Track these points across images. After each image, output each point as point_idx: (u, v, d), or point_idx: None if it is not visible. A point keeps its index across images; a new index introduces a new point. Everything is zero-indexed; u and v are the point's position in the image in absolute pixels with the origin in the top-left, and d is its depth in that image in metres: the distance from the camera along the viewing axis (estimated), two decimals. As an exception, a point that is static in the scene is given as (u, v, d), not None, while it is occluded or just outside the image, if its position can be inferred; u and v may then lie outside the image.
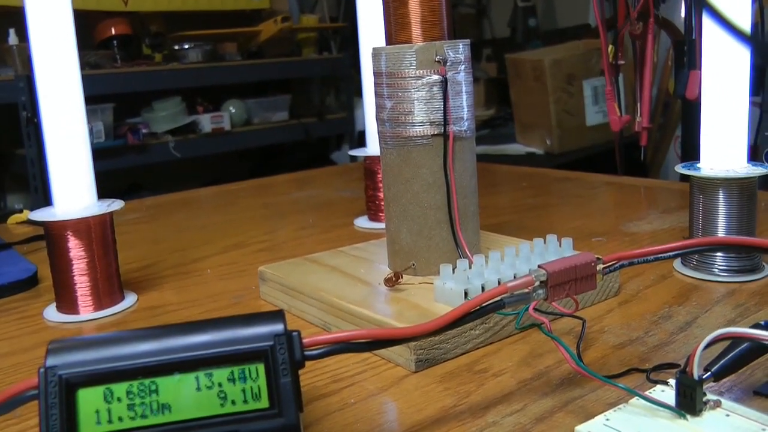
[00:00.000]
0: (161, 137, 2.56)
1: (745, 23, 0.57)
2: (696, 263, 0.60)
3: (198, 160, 2.82)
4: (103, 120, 2.35)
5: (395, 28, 0.54)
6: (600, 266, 0.39)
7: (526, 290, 0.37)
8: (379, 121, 0.55)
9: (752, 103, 1.05)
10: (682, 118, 1.38)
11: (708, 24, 0.59)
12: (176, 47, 2.67)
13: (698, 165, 0.61)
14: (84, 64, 2.32)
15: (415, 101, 0.52)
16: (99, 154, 2.30)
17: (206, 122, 2.66)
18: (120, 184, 2.74)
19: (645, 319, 0.52)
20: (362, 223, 0.85)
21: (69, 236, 0.59)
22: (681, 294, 0.56)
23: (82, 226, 0.59)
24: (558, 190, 1.02)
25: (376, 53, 0.54)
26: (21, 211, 1.04)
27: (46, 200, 2.22)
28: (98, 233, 0.60)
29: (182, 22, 2.74)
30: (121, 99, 2.45)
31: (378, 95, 0.55)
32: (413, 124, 0.53)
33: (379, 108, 0.55)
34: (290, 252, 0.76)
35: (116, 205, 0.61)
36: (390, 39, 0.54)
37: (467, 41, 0.54)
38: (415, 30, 0.53)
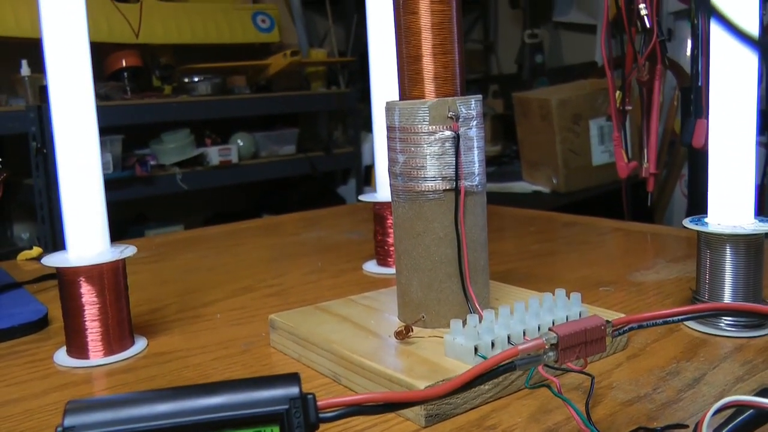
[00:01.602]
0: (169, 169, 2.57)
1: (753, 28, 0.58)
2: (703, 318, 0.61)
3: (205, 192, 2.84)
4: (112, 151, 2.37)
5: (409, 83, 0.55)
6: (609, 329, 0.39)
7: (537, 353, 0.38)
8: (392, 174, 0.56)
9: (759, 143, 1.06)
10: (689, 165, 1.39)
11: (715, 73, 0.60)
12: (186, 80, 2.69)
13: (705, 220, 0.61)
14: (94, 96, 2.33)
15: (428, 156, 0.53)
16: (107, 185, 2.29)
17: (214, 155, 2.67)
18: (127, 215, 2.75)
19: (653, 375, 0.52)
20: (371, 267, 0.85)
21: (81, 282, 0.60)
22: (688, 349, 0.56)
23: (95, 273, 0.60)
24: (565, 235, 1.02)
25: (390, 108, 0.55)
26: (31, 247, 1.05)
27: (52, 230, 2.23)
28: (111, 279, 0.61)
29: (192, 54, 2.77)
30: (130, 130, 2.47)
31: (391, 149, 0.56)
32: (425, 179, 0.54)
33: (392, 162, 0.56)
34: (299, 297, 0.77)
35: (129, 251, 0.62)
36: (403, 94, 0.55)
37: (479, 97, 0.55)
38: (429, 86, 0.54)
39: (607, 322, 0.39)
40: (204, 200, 3.03)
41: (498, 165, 2.69)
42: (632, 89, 1.16)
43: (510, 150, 2.82)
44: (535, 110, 2.14)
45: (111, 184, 2.30)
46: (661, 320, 0.39)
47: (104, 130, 2.33)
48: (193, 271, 0.92)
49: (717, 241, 0.59)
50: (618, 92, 1.06)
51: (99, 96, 2.36)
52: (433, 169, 0.53)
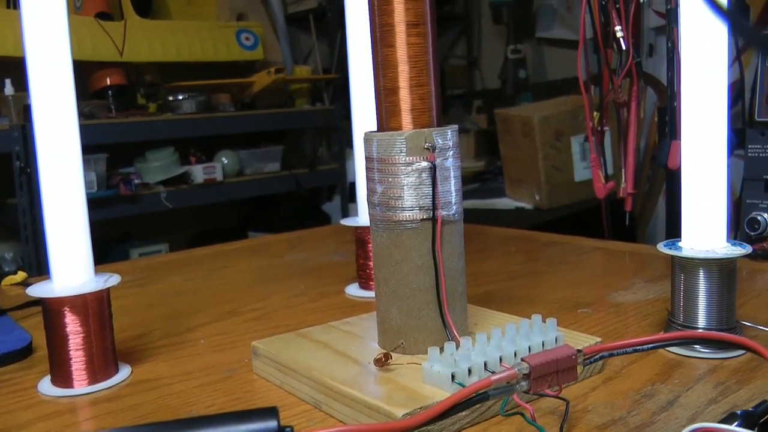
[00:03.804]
0: (153, 187, 2.58)
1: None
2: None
3: (190, 210, 2.84)
4: (96, 170, 2.37)
5: (386, 115, 0.56)
6: (581, 358, 0.40)
7: (510, 382, 0.39)
8: (370, 204, 0.57)
9: (736, 155, 1.07)
10: (666, 185, 1.41)
11: (686, 99, 0.62)
12: (170, 98, 2.70)
13: (679, 243, 0.63)
14: (79, 114, 2.33)
15: (405, 186, 0.54)
16: (91, 204, 2.30)
17: (198, 173, 2.68)
18: (111, 234, 2.75)
19: (628, 398, 0.53)
20: (353, 291, 0.86)
21: (66, 312, 0.60)
22: (664, 371, 0.58)
23: (79, 303, 0.60)
24: (546, 255, 1.04)
25: (368, 139, 0.56)
26: (15, 272, 1.05)
27: (36, 251, 2.23)
28: (95, 309, 0.61)
29: (176, 72, 2.78)
30: (115, 149, 2.47)
31: (369, 179, 0.57)
32: (403, 209, 0.55)
33: (371, 192, 0.57)
34: (282, 321, 0.77)
35: (113, 280, 0.63)
36: (381, 125, 0.57)
37: (455, 127, 0.56)
38: (406, 117, 0.55)
39: (578, 351, 0.40)
40: (189, 218, 3.03)
41: (481, 181, 2.70)
42: (610, 109, 1.17)
43: (494, 166, 2.84)
44: (518, 127, 2.16)
45: (95, 203, 2.34)
46: (630, 349, 0.40)
47: (88, 149, 2.33)
48: (177, 295, 0.93)
49: (690, 265, 0.61)
50: (596, 113, 1.08)
51: (83, 114, 2.39)
52: (410, 199, 0.54)
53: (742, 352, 0.60)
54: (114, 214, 2.46)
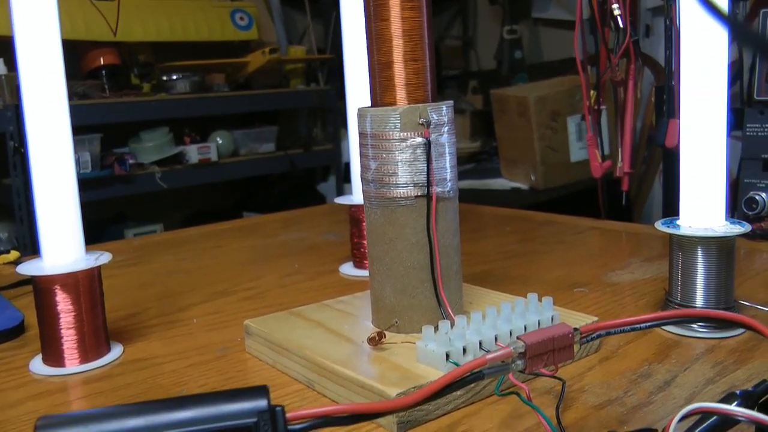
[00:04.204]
0: (148, 167, 2.56)
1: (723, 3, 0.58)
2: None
3: (184, 191, 2.83)
4: (90, 150, 2.36)
5: (380, 90, 0.55)
6: (577, 337, 0.40)
7: (505, 361, 0.38)
8: (364, 181, 0.56)
9: (733, 137, 1.06)
10: (663, 165, 1.40)
11: (685, 75, 0.61)
12: (164, 78, 2.68)
13: (677, 222, 0.62)
14: (72, 95, 2.33)
15: (399, 163, 0.54)
16: (85, 184, 2.33)
17: (193, 153, 2.67)
18: (106, 214, 2.74)
19: (625, 378, 0.53)
20: (347, 270, 0.86)
21: (57, 290, 0.60)
22: (661, 351, 0.57)
23: (70, 281, 0.60)
24: (542, 235, 1.03)
25: (362, 114, 0.56)
26: (8, 251, 1.04)
27: (30, 230, 2.22)
28: (86, 287, 0.61)
29: (171, 52, 2.76)
30: (109, 129, 2.45)
31: (363, 156, 0.56)
32: (397, 185, 0.54)
33: (364, 168, 0.56)
34: (275, 300, 0.77)
35: (104, 258, 0.62)
36: (375, 101, 0.56)
37: (450, 103, 0.56)
38: (400, 92, 0.54)
39: (575, 329, 0.40)
40: (184, 198, 3.02)
41: (477, 162, 2.69)
42: (607, 88, 1.16)
43: (489, 146, 2.83)
44: (513, 107, 2.15)
45: (89, 184, 2.32)
46: (628, 327, 0.40)
47: (82, 129, 2.32)
48: (170, 274, 0.92)
49: (689, 243, 0.60)
50: (592, 92, 1.07)
51: (77, 95, 2.37)
52: (404, 175, 0.54)
53: (740, 331, 0.60)
54: (108, 194, 2.45)
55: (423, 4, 0.54)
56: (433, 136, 0.54)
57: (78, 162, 2.29)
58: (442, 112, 0.54)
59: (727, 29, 0.57)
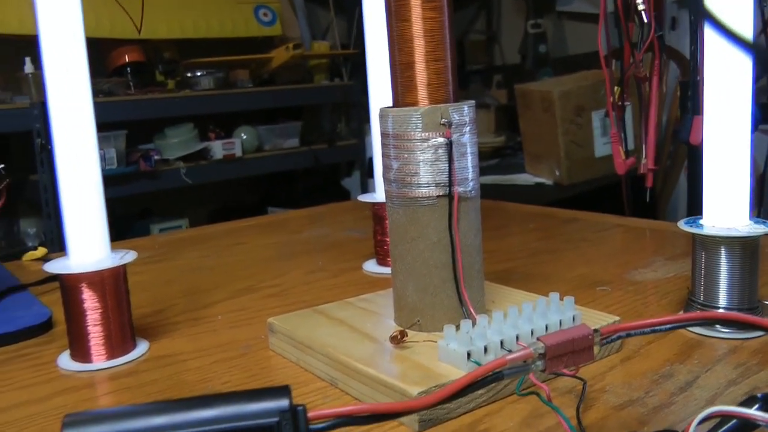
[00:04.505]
0: (173, 163, 2.59)
1: (747, 32, 0.58)
2: (698, 318, 0.61)
3: (209, 186, 2.85)
4: (116, 147, 2.38)
5: (402, 90, 0.55)
6: (597, 338, 0.40)
7: (526, 362, 0.38)
8: (386, 180, 0.57)
9: (761, 130, 1.05)
10: (688, 161, 1.39)
11: (709, 72, 0.60)
12: (189, 74, 2.70)
13: (700, 221, 0.62)
14: (97, 92, 2.35)
15: (421, 163, 0.54)
16: (111, 180, 2.35)
17: (218, 149, 2.68)
18: (132, 210, 2.77)
19: (646, 378, 0.53)
20: (371, 267, 0.86)
21: (83, 288, 0.61)
22: (683, 351, 0.57)
23: (96, 279, 0.61)
24: (565, 232, 1.03)
25: (383, 114, 0.56)
26: (36, 248, 1.06)
27: (58, 226, 2.24)
28: (111, 285, 0.62)
29: (195, 48, 2.78)
30: (134, 126, 2.48)
31: (385, 155, 0.56)
32: (419, 185, 0.54)
33: (386, 168, 0.56)
34: (299, 297, 0.77)
35: (129, 257, 0.63)
36: (397, 101, 0.56)
37: (472, 103, 0.56)
38: (421, 92, 0.54)
39: (595, 331, 0.40)
40: (208, 194, 3.04)
41: (501, 157, 2.69)
42: (631, 83, 1.16)
43: (514, 141, 2.82)
44: (537, 102, 2.14)
45: (115, 180, 2.35)
46: (648, 329, 0.40)
47: (108, 126, 2.35)
48: (195, 271, 0.93)
49: (712, 243, 0.60)
50: (616, 88, 1.07)
51: (102, 92, 2.39)
52: (426, 175, 0.54)
53: (763, 332, 0.59)
54: (134, 190, 2.47)
55: (443, 4, 0.54)
56: (454, 136, 0.54)
57: (104, 158, 2.32)
58: (463, 112, 0.54)
59: (751, 57, 0.57)
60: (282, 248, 1.04)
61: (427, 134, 0.53)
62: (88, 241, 0.61)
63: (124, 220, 2.70)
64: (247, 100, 2.79)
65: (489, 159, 2.67)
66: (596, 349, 0.40)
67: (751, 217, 0.61)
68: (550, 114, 2.09)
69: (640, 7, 1.05)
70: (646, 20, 1.05)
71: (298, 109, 3.19)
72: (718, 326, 0.60)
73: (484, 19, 3.88)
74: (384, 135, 0.56)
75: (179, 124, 2.63)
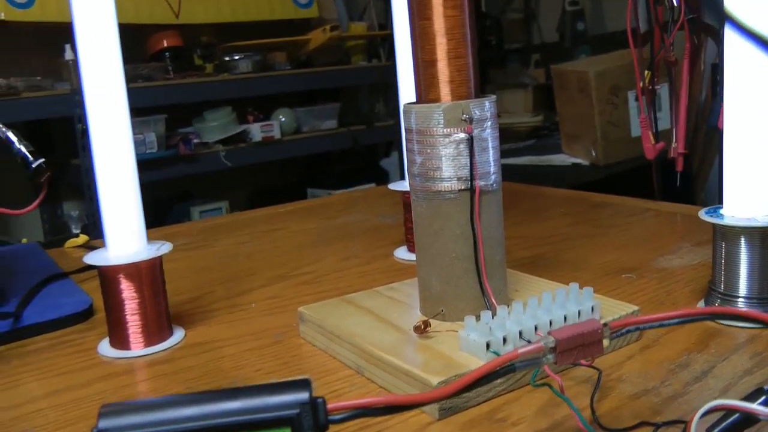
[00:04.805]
0: (212, 146, 2.63)
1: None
2: (719, 305, 0.62)
3: (248, 169, 2.89)
4: (156, 131, 2.42)
5: (425, 87, 0.57)
6: (607, 332, 0.41)
7: (536, 355, 0.40)
8: (410, 174, 0.58)
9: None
10: (719, 148, 1.38)
11: (730, 60, 0.61)
12: (226, 58, 2.73)
13: (721, 211, 0.62)
14: (137, 77, 2.39)
15: (443, 158, 0.55)
16: (151, 164, 2.40)
17: (256, 131, 2.72)
18: (172, 193, 2.81)
19: (663, 367, 0.54)
20: (401, 254, 0.88)
21: (121, 279, 0.63)
22: (701, 340, 0.58)
23: (133, 270, 0.63)
24: (595, 217, 1.03)
25: (407, 110, 0.57)
26: (78, 236, 1.09)
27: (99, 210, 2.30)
28: (148, 276, 0.64)
29: (232, 32, 2.81)
30: (173, 109, 2.52)
31: (409, 150, 0.58)
32: (441, 180, 0.56)
33: (410, 162, 0.58)
34: (332, 285, 0.80)
35: (165, 248, 0.65)
36: (420, 97, 0.58)
37: (493, 98, 0.57)
38: (444, 89, 0.56)
39: (605, 325, 0.41)
40: (248, 176, 3.08)
41: (537, 138, 2.68)
42: (663, 65, 1.15)
43: (551, 121, 2.81)
44: (573, 82, 2.13)
45: (155, 164, 2.40)
46: (657, 323, 0.41)
47: (147, 111, 2.39)
48: (231, 258, 0.95)
49: (731, 233, 0.60)
50: (647, 71, 1.07)
51: (141, 77, 2.43)
52: (448, 170, 0.55)
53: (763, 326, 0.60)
54: (174, 173, 2.52)
55: (464, 2, 0.55)
56: (475, 132, 0.55)
57: (144, 143, 2.36)
58: (484, 108, 0.56)
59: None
60: (318, 234, 1.06)
61: (448, 130, 0.55)
62: (125, 234, 0.64)
63: (165, 203, 2.75)
64: (285, 83, 2.82)
65: (526, 139, 2.66)
66: (606, 342, 0.42)
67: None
68: (586, 94, 2.08)
69: (671, -11, 1.04)
70: (675, 3, 1.04)
71: (336, 91, 3.20)
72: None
73: (522, -3, 3.84)
74: (408, 130, 0.58)
75: (218, 107, 2.67)
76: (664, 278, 0.74)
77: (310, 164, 3.27)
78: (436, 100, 0.56)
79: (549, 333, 0.40)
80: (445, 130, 0.55)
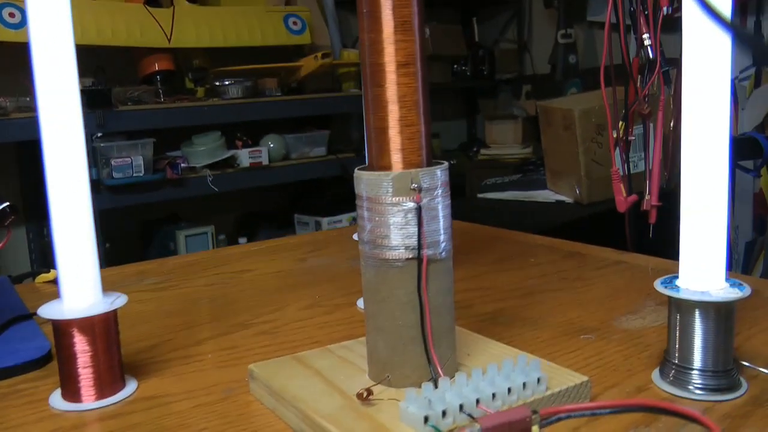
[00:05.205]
0: (199, 171, 2.63)
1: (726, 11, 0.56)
2: (672, 378, 0.62)
3: (236, 193, 2.89)
4: (143, 154, 2.43)
5: (376, 153, 0.57)
6: (537, 420, 0.41)
7: (465, 444, 0.40)
8: (360, 240, 0.58)
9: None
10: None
11: (686, 139, 0.60)
12: (217, 83, 2.74)
13: (676, 282, 0.62)
14: (127, 100, 2.40)
15: (392, 226, 0.55)
16: (138, 187, 2.40)
17: (244, 157, 2.72)
18: (159, 215, 2.81)
19: (608, 442, 0.53)
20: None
21: (74, 332, 0.63)
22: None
23: (87, 324, 0.63)
24: (564, 269, 1.03)
25: (357, 177, 0.57)
26: (49, 271, 1.09)
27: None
28: (102, 329, 0.64)
29: (224, 56, 2.82)
30: (162, 133, 2.52)
31: (359, 216, 0.58)
32: (390, 248, 0.56)
33: (360, 228, 0.58)
34: (290, 336, 0.79)
35: (119, 302, 0.65)
36: (371, 164, 0.58)
37: (445, 166, 0.57)
38: (395, 156, 0.56)
39: (534, 412, 0.41)
40: (235, 201, 3.08)
41: (523, 173, 2.69)
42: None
43: (538, 155, 2.82)
44: (559, 119, 2.14)
45: (142, 187, 2.40)
46: (588, 411, 0.41)
47: (136, 134, 2.39)
48: (196, 302, 0.95)
49: (686, 306, 0.60)
50: (621, 123, 1.07)
51: (132, 100, 2.44)
52: (396, 238, 0.55)
53: (737, 394, 0.60)
54: (160, 197, 2.52)
55: (418, 69, 0.56)
56: (425, 201, 0.55)
57: (131, 166, 2.36)
58: (435, 177, 0.56)
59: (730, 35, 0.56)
60: (285, 278, 1.06)
61: (397, 199, 0.55)
62: (80, 288, 0.64)
63: (152, 225, 2.75)
64: (275, 109, 2.83)
65: (512, 174, 2.67)
66: (535, 429, 0.42)
67: (727, 279, 0.61)
68: (571, 132, 2.09)
69: (646, 42, 1.05)
70: (651, 55, 1.05)
71: (326, 118, 3.21)
72: (690, 386, 0.61)
73: (515, 28, 3.87)
74: (358, 197, 0.58)
75: (207, 132, 2.67)
76: (624, 340, 0.74)
77: (299, 191, 3.27)
78: (387, 167, 0.56)
79: (475, 419, 0.40)
80: (393, 198, 0.55)
